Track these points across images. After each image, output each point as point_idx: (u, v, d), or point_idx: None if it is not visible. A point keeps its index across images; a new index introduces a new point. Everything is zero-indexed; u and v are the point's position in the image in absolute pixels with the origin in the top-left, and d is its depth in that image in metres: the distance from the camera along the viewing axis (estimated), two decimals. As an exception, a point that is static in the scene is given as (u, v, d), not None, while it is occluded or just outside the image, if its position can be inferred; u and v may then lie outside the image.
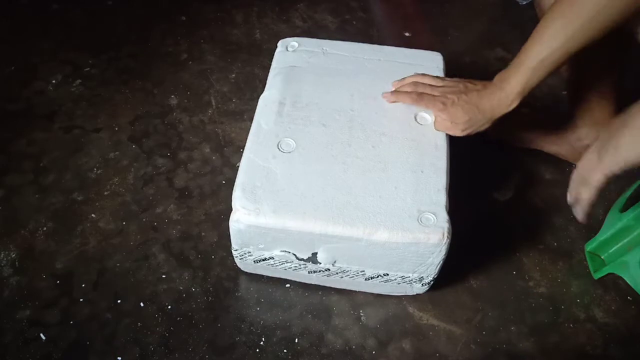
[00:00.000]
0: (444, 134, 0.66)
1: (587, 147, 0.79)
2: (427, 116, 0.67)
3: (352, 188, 0.60)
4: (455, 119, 0.64)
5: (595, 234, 0.73)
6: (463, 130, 0.65)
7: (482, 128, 0.65)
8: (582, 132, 0.78)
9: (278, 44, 0.77)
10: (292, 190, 0.59)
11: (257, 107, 0.69)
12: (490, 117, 0.64)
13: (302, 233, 0.58)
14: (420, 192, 0.60)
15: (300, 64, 0.73)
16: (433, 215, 0.58)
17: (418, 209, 0.58)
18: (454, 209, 0.60)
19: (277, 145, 0.63)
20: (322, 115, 0.67)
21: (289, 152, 0.62)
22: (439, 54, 0.76)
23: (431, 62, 0.75)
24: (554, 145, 0.83)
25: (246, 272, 0.69)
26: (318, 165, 0.61)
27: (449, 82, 0.67)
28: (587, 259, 0.72)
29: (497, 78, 0.63)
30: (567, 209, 0.80)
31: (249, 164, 0.62)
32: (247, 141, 0.65)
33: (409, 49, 0.77)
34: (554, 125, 0.84)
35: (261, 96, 0.70)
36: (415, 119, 0.67)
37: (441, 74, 0.73)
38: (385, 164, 0.62)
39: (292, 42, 0.76)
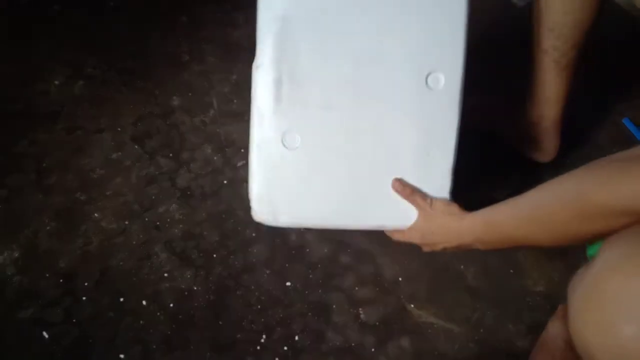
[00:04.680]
0: (457, 104, 0.60)
1: (544, 128, 0.77)
2: (441, 76, 0.59)
3: (361, 183, 0.61)
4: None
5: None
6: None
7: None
8: (544, 109, 0.77)
9: None
10: (305, 194, 0.61)
11: (253, 86, 0.61)
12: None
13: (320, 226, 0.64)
14: (425, 179, 0.61)
15: (292, 12, 0.59)
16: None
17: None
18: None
19: (282, 141, 0.60)
20: (323, 93, 0.60)
21: (295, 149, 0.60)
22: None
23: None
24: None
25: (247, 270, 0.70)
26: (325, 163, 0.61)
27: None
28: None
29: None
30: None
31: (259, 170, 0.61)
32: (251, 139, 0.61)
33: None
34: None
35: (254, 68, 0.61)
36: (427, 82, 0.59)
37: (463, 17, 0.60)
38: (392, 150, 0.60)
39: None
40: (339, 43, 0.59)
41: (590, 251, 0.74)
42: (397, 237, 0.65)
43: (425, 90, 0.59)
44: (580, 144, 0.87)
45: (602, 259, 0.43)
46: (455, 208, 0.60)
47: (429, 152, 0.60)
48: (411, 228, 0.62)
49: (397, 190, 0.60)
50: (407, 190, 0.60)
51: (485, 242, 0.56)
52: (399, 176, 0.60)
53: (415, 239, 0.62)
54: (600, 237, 0.46)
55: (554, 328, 0.61)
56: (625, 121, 0.92)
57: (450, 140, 0.60)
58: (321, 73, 0.60)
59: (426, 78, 0.59)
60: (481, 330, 0.67)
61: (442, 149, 0.60)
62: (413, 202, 0.61)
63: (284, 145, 0.60)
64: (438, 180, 0.60)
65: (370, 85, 0.60)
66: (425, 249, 0.64)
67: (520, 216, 0.51)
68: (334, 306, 0.68)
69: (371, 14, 0.59)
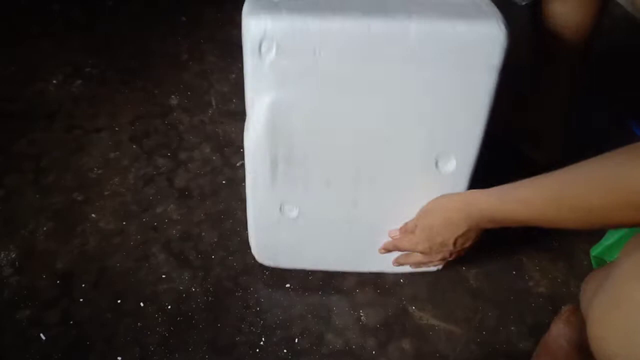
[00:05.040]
0: (466, 186, 0.58)
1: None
2: (452, 159, 0.54)
3: (361, 240, 0.62)
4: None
5: (596, 234, 0.73)
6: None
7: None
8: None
9: (245, 39, 0.49)
10: (305, 248, 0.63)
11: (246, 151, 0.56)
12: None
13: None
14: None
15: (282, 88, 0.49)
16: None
17: None
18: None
19: (280, 208, 0.58)
20: (323, 171, 0.55)
21: (294, 219, 0.59)
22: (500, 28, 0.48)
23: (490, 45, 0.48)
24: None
25: (246, 272, 0.70)
26: (325, 227, 0.61)
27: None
28: (593, 263, 0.72)
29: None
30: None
31: (258, 227, 0.62)
32: (247, 197, 0.59)
33: (459, 23, 0.47)
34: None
35: (246, 140, 0.55)
36: (436, 164, 0.55)
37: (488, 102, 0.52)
38: (393, 218, 0.60)
39: (268, 41, 0.47)
40: (340, 123, 0.52)
41: (594, 251, 0.73)
42: (403, 248, 0.61)
43: (433, 171, 0.55)
44: (583, 145, 0.86)
45: (629, 263, 0.41)
46: (450, 193, 0.56)
47: None
48: (416, 233, 0.58)
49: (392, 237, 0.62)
50: (400, 229, 0.60)
51: (497, 220, 0.51)
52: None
53: (421, 242, 0.57)
54: (632, 225, 0.42)
55: (557, 329, 0.60)
56: (630, 121, 0.91)
57: None
58: (320, 153, 0.54)
59: (436, 159, 0.54)
60: (483, 332, 0.67)
61: None
62: (410, 229, 0.59)
63: (282, 212, 0.59)
64: None
65: (374, 164, 0.55)
66: (435, 259, 0.59)
67: (544, 196, 0.46)
68: (335, 308, 0.68)
69: (379, 92, 0.50)
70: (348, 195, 0.57)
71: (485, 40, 0.47)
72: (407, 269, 0.67)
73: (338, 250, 0.63)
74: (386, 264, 0.66)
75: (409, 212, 0.58)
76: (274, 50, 0.47)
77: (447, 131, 0.52)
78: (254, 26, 0.47)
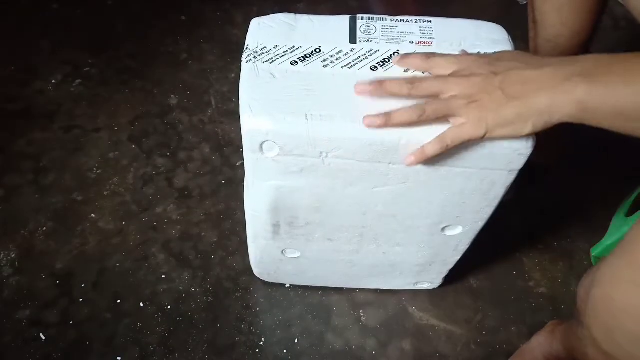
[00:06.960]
0: (470, 240, 0.57)
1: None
2: (459, 228, 0.54)
3: (362, 268, 0.63)
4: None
5: (597, 234, 0.73)
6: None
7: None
8: None
9: (244, 136, 0.45)
10: (305, 276, 0.65)
11: (247, 213, 0.56)
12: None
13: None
14: (422, 276, 0.65)
15: (286, 177, 0.47)
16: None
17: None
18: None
19: (281, 252, 0.60)
20: (327, 232, 0.55)
21: (296, 258, 0.60)
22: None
23: None
24: None
25: (246, 272, 0.69)
26: (326, 266, 0.62)
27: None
28: (593, 263, 0.72)
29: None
30: (568, 209, 0.81)
31: (258, 260, 0.63)
32: (247, 234, 0.60)
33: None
34: None
35: (246, 203, 0.55)
36: (442, 230, 0.54)
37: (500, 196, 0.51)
38: (394, 261, 0.61)
39: (270, 143, 0.44)
40: (346, 203, 0.50)
41: (594, 251, 0.73)
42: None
43: (438, 233, 0.54)
44: (583, 145, 0.86)
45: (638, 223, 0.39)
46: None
47: (432, 264, 0.62)
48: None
49: None
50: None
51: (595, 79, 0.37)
52: (399, 272, 0.63)
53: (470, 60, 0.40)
54: None
55: (537, 340, 0.59)
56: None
57: (454, 258, 0.60)
58: (324, 221, 0.53)
59: (443, 228, 0.54)
60: (483, 332, 0.67)
61: (445, 263, 0.62)
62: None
63: (283, 254, 0.60)
64: (434, 276, 0.65)
65: (378, 231, 0.54)
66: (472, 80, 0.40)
67: None
68: (335, 308, 0.68)
69: (391, 185, 0.47)
70: (350, 247, 0.58)
71: (510, 152, 0.43)
72: (408, 285, 0.67)
73: (339, 275, 0.65)
74: (388, 283, 0.67)
75: (412, 256, 0.60)
76: (276, 150, 0.44)
77: (458, 212, 0.51)
78: (254, 128, 0.44)
